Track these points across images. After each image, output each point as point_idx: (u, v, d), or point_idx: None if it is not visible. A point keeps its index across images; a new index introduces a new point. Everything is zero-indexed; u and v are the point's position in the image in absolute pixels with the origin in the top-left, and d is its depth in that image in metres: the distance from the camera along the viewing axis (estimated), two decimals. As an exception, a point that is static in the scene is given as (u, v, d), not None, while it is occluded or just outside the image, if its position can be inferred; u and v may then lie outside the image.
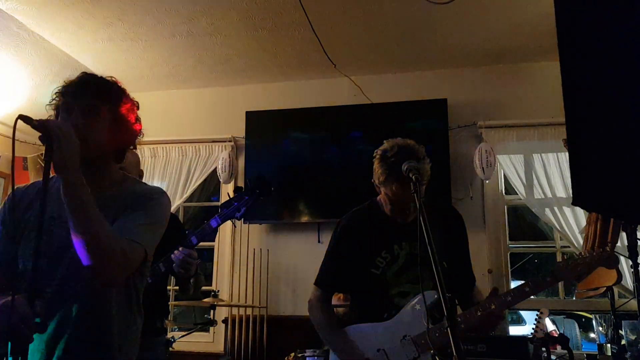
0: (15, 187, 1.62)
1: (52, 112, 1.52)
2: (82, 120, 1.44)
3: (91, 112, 1.46)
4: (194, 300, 3.38)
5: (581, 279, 1.97)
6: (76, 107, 1.46)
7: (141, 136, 1.64)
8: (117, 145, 1.55)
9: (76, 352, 1.40)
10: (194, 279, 2.41)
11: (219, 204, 4.70)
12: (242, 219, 2.35)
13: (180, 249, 2.22)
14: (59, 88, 1.51)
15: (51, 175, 1.34)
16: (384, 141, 2.07)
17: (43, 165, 1.31)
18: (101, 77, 1.54)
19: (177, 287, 2.60)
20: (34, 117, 1.30)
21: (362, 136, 4.29)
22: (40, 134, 1.30)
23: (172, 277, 2.54)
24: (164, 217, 1.56)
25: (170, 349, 3.06)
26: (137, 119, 1.62)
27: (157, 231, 1.52)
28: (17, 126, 1.25)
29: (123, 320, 1.49)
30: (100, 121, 1.48)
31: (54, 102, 1.51)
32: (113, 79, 1.57)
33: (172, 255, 2.22)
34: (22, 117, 1.26)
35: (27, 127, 1.29)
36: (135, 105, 1.61)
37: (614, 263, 1.99)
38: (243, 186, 2.37)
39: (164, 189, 4.37)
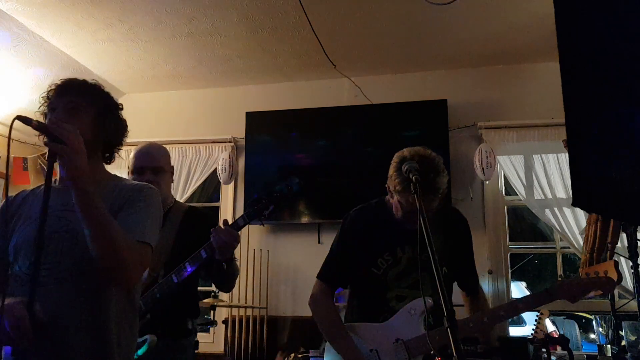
0: (5, 200, 1.68)
1: (45, 116, 1.57)
2: (64, 116, 1.49)
3: (73, 109, 1.52)
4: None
5: (576, 300, 1.99)
6: (59, 105, 1.52)
7: (126, 135, 1.68)
8: (102, 143, 1.59)
9: (75, 345, 1.40)
10: (228, 265, 2.20)
11: (219, 204, 4.73)
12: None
13: (224, 227, 2.06)
14: (44, 93, 1.58)
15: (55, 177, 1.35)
16: (404, 149, 1.99)
17: (44, 166, 1.32)
18: (83, 79, 1.61)
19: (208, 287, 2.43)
20: (35, 118, 1.30)
21: (362, 137, 4.29)
22: (45, 138, 1.32)
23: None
24: (158, 209, 1.60)
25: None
26: (122, 119, 1.66)
27: (157, 225, 1.57)
28: (16, 127, 1.25)
29: (121, 314, 1.50)
30: (83, 118, 1.52)
31: (42, 108, 1.58)
32: (95, 81, 1.64)
33: (213, 239, 2.05)
34: (20, 118, 1.27)
35: (27, 128, 1.29)
36: (119, 107, 1.66)
37: (610, 289, 2.01)
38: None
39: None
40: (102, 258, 1.35)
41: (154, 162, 2.26)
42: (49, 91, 1.57)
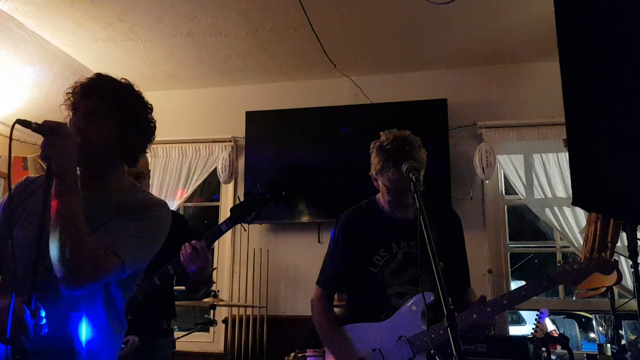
0: (25, 177, 1.63)
1: (68, 112, 1.50)
2: (86, 121, 1.44)
3: (96, 114, 1.45)
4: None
5: (577, 284, 1.99)
6: (82, 108, 1.46)
7: (152, 139, 1.61)
8: (124, 148, 1.52)
9: (43, 351, 1.34)
10: (204, 289, 2.35)
11: (219, 203, 4.73)
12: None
13: (193, 242, 2.16)
14: (69, 89, 1.50)
15: None
16: (380, 133, 2.08)
17: (43, 165, 1.31)
18: (113, 79, 1.53)
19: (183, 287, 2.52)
20: (34, 118, 1.30)
21: (362, 136, 4.27)
22: (43, 141, 1.29)
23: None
24: (158, 231, 1.50)
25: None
26: (149, 123, 1.59)
27: (147, 245, 1.47)
28: (16, 126, 1.25)
29: (98, 329, 1.43)
30: (106, 123, 1.46)
31: (67, 101, 1.50)
32: (126, 80, 1.55)
33: (181, 255, 2.17)
34: (20, 122, 1.25)
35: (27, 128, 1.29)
36: (149, 109, 1.59)
37: (610, 270, 2.00)
38: (254, 189, 2.33)
39: (164, 189, 4.30)
40: (53, 250, 1.28)
41: (135, 168, 2.30)
42: (74, 88, 1.49)
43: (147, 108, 1.58)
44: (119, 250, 1.36)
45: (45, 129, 1.28)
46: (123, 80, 1.55)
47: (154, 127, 1.61)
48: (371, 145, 2.09)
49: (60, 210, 1.28)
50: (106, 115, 1.46)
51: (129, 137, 1.51)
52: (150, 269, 2.13)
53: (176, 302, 2.94)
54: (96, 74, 1.54)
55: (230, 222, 2.27)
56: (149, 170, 2.47)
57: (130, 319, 2.04)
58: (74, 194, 1.30)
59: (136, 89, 1.57)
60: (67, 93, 1.50)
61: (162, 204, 1.56)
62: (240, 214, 2.26)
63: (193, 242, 2.16)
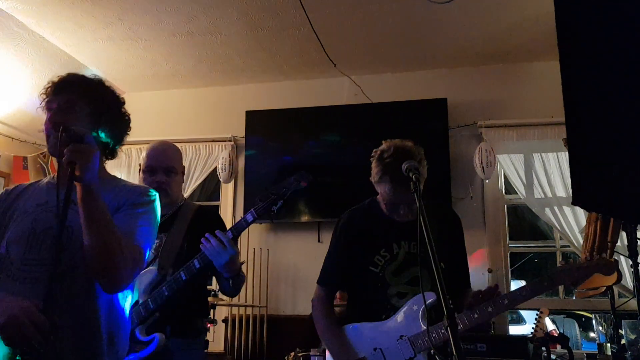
0: (5, 190, 1.67)
1: (45, 112, 1.55)
2: (60, 115, 1.48)
3: (69, 108, 1.50)
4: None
5: (578, 284, 1.99)
6: (55, 104, 1.51)
7: (128, 132, 1.65)
8: (101, 142, 1.55)
9: (64, 341, 1.37)
10: (235, 284, 2.17)
11: (219, 203, 4.73)
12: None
13: (217, 232, 2.01)
14: (42, 90, 1.55)
15: (52, 174, 1.34)
16: (383, 141, 2.09)
17: (43, 165, 1.32)
18: (83, 76, 1.58)
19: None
20: (33, 118, 1.31)
21: (362, 136, 4.29)
22: (70, 146, 1.32)
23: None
24: (156, 215, 1.58)
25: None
26: (123, 115, 1.63)
27: (153, 229, 1.55)
28: (17, 126, 1.26)
29: (113, 314, 1.48)
30: (80, 116, 1.50)
31: (42, 102, 1.55)
32: (96, 76, 1.60)
33: (203, 247, 2.02)
34: (65, 129, 1.31)
35: (27, 127, 1.30)
36: (121, 102, 1.63)
37: (611, 270, 2.01)
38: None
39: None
40: (96, 258, 1.34)
41: (166, 162, 2.20)
42: (47, 88, 1.55)
43: (119, 101, 1.63)
44: (141, 242, 1.44)
45: (76, 135, 1.33)
46: (94, 77, 1.59)
47: (129, 119, 1.65)
48: (373, 152, 2.09)
49: (94, 216, 1.33)
50: (79, 108, 1.50)
51: (105, 128, 1.54)
52: (179, 265, 2.08)
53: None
54: (68, 72, 1.58)
55: (256, 212, 2.06)
56: (184, 167, 2.32)
57: (157, 316, 2.02)
58: (100, 200, 1.36)
59: (107, 84, 1.62)
60: (40, 94, 1.55)
61: (151, 189, 1.63)
62: (266, 204, 2.04)
63: (217, 232, 2.02)
